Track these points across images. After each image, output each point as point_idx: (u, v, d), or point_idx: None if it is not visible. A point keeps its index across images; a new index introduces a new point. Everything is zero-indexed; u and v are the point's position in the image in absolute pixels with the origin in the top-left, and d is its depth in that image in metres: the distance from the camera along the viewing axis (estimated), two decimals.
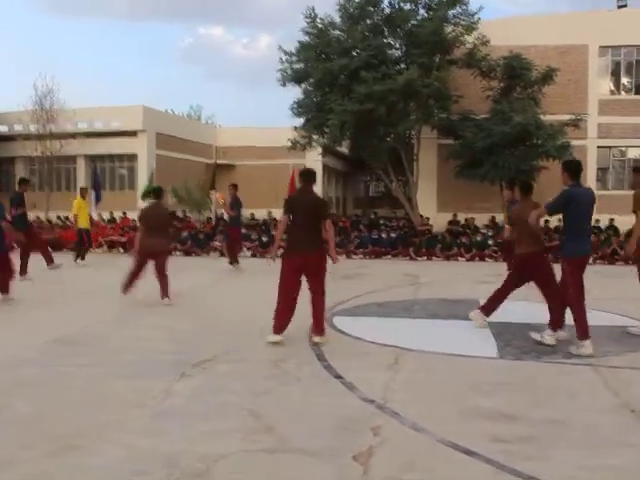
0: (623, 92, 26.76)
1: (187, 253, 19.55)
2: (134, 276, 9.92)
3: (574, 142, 22.22)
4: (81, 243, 16.50)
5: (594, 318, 7.15)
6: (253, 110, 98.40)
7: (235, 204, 15.32)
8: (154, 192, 10.64)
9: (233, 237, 15.78)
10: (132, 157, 32.90)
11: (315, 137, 24.18)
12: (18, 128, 32.25)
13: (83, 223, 16.32)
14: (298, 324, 7.94)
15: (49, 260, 13.94)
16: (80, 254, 16.44)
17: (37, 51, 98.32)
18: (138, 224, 11.04)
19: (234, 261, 14.99)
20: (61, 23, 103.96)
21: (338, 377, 5.63)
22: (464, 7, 22.80)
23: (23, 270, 12.38)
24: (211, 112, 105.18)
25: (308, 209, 6.92)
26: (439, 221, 22.95)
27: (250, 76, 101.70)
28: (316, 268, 6.97)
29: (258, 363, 6.14)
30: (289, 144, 24.27)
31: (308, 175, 7.16)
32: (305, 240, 6.85)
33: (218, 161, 33.92)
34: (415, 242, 18.62)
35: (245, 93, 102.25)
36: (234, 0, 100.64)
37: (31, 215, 23.02)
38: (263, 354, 6.50)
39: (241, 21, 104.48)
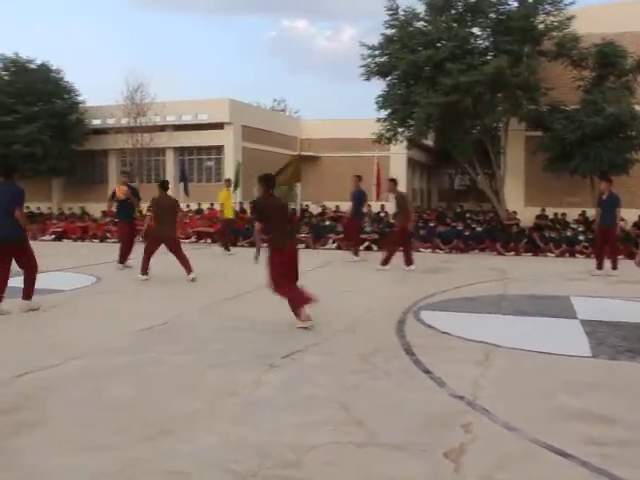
0: None
1: None
2: (148, 259, 11.60)
3: None
4: (228, 233, 17.03)
5: None
6: (337, 102, 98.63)
7: (358, 195, 15.44)
8: (160, 184, 12.08)
9: (352, 229, 15.98)
10: (219, 149, 33.51)
11: (400, 130, 23.97)
12: (110, 122, 33.31)
13: (229, 213, 16.88)
14: (385, 319, 7.96)
15: (123, 258, 13.40)
16: (226, 244, 17.09)
17: (129, 46, 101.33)
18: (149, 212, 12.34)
19: (354, 253, 15.31)
20: (151, 17, 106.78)
21: (427, 372, 5.60)
22: None
23: (123, 259, 13.04)
24: (295, 104, 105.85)
25: (278, 211, 7.77)
26: (527, 215, 22.41)
27: (333, 68, 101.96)
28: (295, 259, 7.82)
29: (346, 356, 6.15)
30: (373, 137, 24.16)
31: (267, 180, 7.86)
32: (283, 236, 7.68)
33: (302, 153, 34.13)
34: (502, 236, 18.26)
35: (329, 85, 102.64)
36: None
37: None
38: (351, 347, 6.51)
39: (325, 13, 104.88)
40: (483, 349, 6.45)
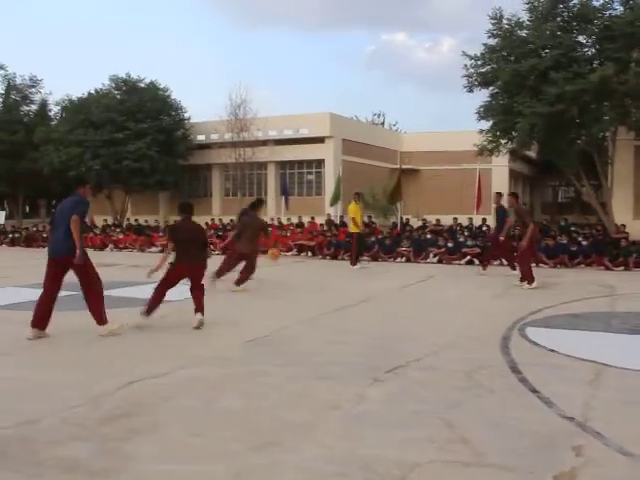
0: None
1: (374, 258, 19.77)
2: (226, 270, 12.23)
3: None
4: (358, 247, 17.34)
5: None
6: (436, 114, 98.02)
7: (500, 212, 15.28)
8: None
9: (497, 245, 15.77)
10: (319, 163, 33.89)
11: (503, 141, 23.57)
12: (214, 137, 34.27)
13: (359, 227, 17.14)
14: (489, 335, 7.82)
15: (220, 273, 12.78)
16: (356, 258, 17.30)
17: (231, 63, 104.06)
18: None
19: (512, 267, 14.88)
20: (252, 35, 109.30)
21: (534, 391, 5.45)
22: None
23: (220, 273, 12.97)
24: (394, 118, 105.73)
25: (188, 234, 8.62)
26: (636, 228, 21.54)
27: (433, 80, 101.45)
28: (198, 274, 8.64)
29: (449, 372, 6.08)
30: (475, 149, 23.84)
31: (186, 207, 8.88)
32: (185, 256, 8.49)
33: (403, 166, 34.06)
34: (610, 251, 17.59)
35: (428, 97, 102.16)
36: (415, 5, 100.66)
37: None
38: (454, 363, 6.43)
39: (423, 25, 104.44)
40: (593, 368, 6.23)
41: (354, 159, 33.87)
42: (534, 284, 12.54)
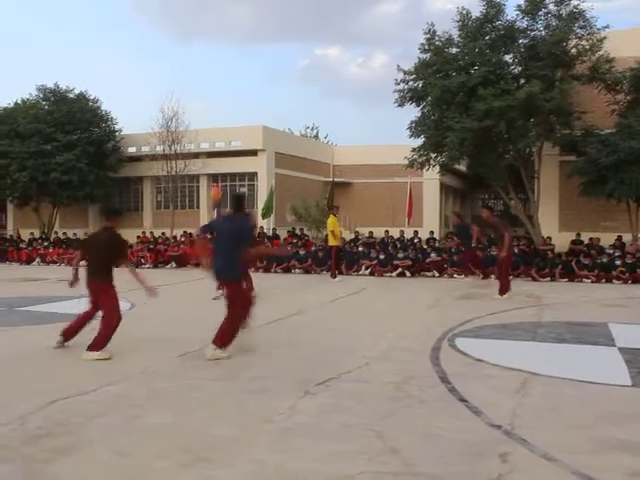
0: None
1: (307, 271, 19.80)
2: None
3: None
4: (336, 260, 17.44)
5: None
6: (369, 128, 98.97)
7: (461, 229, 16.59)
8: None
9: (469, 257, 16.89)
10: (252, 176, 33.78)
11: (433, 155, 23.99)
12: (146, 149, 33.83)
13: (337, 240, 17.11)
14: (419, 346, 7.91)
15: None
16: (334, 271, 17.35)
17: (164, 75, 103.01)
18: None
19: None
20: (186, 48, 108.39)
21: (462, 400, 5.54)
22: (586, 22, 22.06)
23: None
24: (327, 131, 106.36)
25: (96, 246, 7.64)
26: (561, 241, 22.17)
27: (365, 95, 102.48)
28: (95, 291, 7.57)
29: (381, 384, 6.12)
30: (406, 162, 24.18)
31: (109, 214, 8.06)
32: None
33: (335, 179, 34.28)
34: (537, 262, 18.06)
35: (361, 112, 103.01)
36: (348, 20, 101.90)
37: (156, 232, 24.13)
38: (384, 375, 6.47)
39: (356, 41, 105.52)
40: (520, 377, 6.37)
41: (287, 172, 33.92)
42: (505, 295, 12.91)
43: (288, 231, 25.71)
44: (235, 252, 7.22)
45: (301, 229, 26.03)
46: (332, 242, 17.37)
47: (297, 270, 19.83)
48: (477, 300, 12.98)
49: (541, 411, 5.34)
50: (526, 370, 6.61)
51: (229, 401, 5.56)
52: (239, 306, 7.30)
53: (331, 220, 17.48)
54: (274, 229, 26.20)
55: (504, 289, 13.02)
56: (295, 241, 22.39)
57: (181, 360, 7.20)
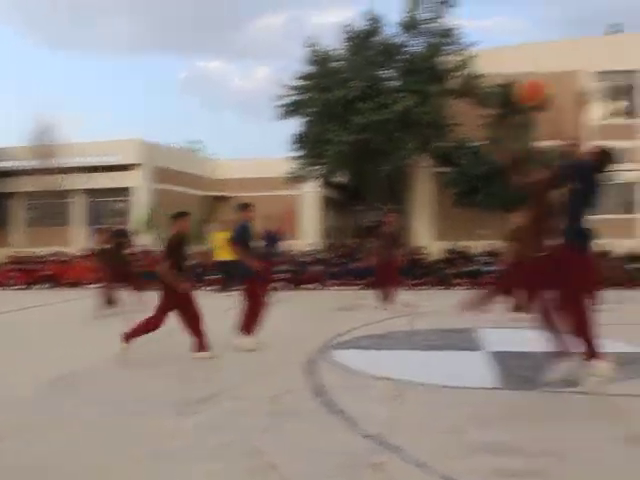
0: (617, 117, 26.91)
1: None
2: None
3: None
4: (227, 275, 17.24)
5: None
6: (251, 142, 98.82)
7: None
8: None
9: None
10: (129, 191, 32.95)
11: (313, 168, 24.25)
12: (17, 163, 32.36)
13: (225, 255, 16.55)
14: (296, 359, 7.92)
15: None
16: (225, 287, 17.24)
17: (37, 89, 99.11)
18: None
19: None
20: (60, 58, 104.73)
21: (338, 412, 5.58)
22: (456, 40, 23.08)
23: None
24: (208, 144, 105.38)
25: None
26: (437, 250, 22.91)
27: (248, 108, 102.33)
28: None
29: (258, 399, 6.08)
30: (287, 176, 24.33)
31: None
32: None
33: (216, 193, 34.01)
34: (412, 271, 18.56)
35: (243, 125, 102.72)
36: (229, 33, 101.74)
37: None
38: (262, 390, 6.44)
39: (238, 53, 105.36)
40: (395, 386, 6.49)
41: (166, 186, 33.28)
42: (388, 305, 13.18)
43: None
44: None
45: None
46: (224, 256, 17.07)
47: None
48: (355, 311, 13.17)
49: (415, 419, 5.47)
50: (401, 379, 6.75)
51: (99, 427, 5.36)
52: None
53: (220, 234, 17.27)
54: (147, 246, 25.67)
55: (389, 298, 13.25)
56: None
57: (48, 386, 6.88)
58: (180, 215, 8.57)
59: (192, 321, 8.16)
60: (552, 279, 6.14)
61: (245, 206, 9.51)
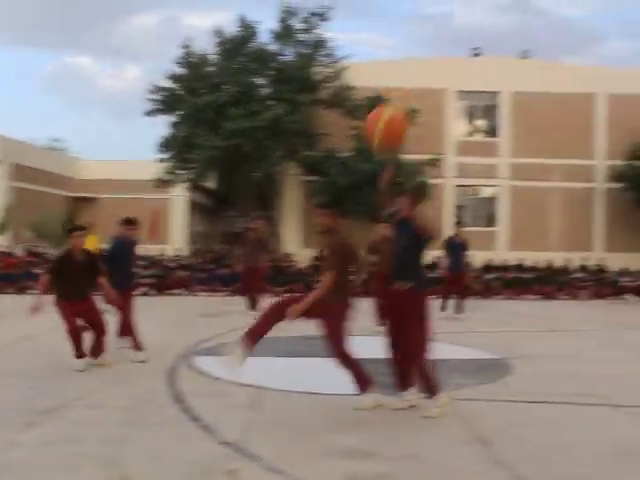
0: (477, 134, 28.31)
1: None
2: None
3: (433, 181, 23.26)
4: None
5: (447, 351, 7.42)
6: (120, 143, 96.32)
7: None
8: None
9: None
10: None
11: (181, 172, 23.97)
12: None
13: None
14: (156, 366, 7.79)
15: None
16: None
17: None
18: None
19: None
20: None
21: (195, 420, 5.53)
22: (328, 52, 23.57)
23: None
24: (74, 144, 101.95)
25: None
26: (305, 257, 23.20)
27: (118, 108, 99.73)
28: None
29: (114, 408, 5.93)
30: (154, 178, 23.90)
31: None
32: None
33: (80, 194, 32.88)
34: (280, 278, 18.72)
35: (112, 125, 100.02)
36: (100, 30, 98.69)
37: None
38: (119, 398, 6.28)
39: (108, 52, 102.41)
40: (254, 393, 6.53)
41: (27, 185, 31.80)
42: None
43: (26, 249, 24.13)
44: None
45: (36, 246, 24.54)
46: None
47: (35, 291, 18.58)
48: (221, 317, 13.11)
49: (272, 425, 5.51)
50: (260, 386, 6.79)
51: None
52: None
53: (91, 239, 16.59)
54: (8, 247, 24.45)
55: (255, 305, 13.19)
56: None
57: None
58: (74, 230, 7.99)
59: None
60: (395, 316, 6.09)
61: (128, 221, 8.83)
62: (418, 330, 5.83)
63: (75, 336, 7.50)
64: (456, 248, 13.64)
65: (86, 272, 7.67)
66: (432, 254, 16.27)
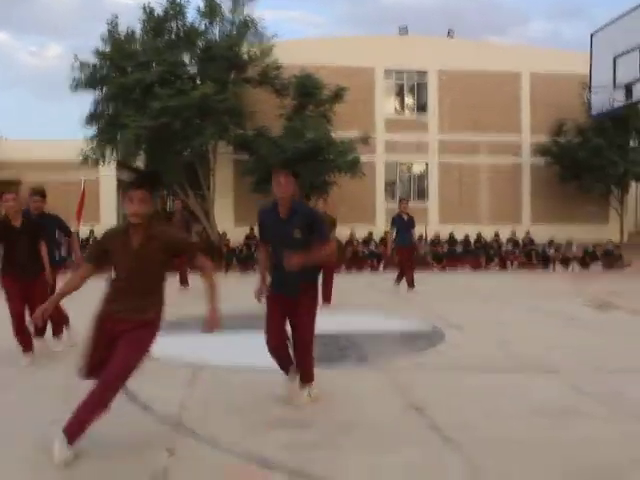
0: (406, 112, 28.64)
1: None
2: None
3: (363, 158, 23.48)
4: None
5: (382, 323, 7.55)
6: (44, 122, 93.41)
7: None
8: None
9: None
10: None
11: (108, 151, 23.53)
12: None
13: None
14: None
15: None
16: None
17: None
18: None
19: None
20: None
21: (132, 399, 5.50)
22: (256, 30, 23.43)
23: None
24: None
25: None
26: (237, 235, 23.11)
27: (39, 86, 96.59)
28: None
29: (44, 389, 5.87)
30: (80, 158, 23.38)
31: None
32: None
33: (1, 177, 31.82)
34: (214, 256, 18.62)
35: (33, 104, 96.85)
36: (22, 6, 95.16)
37: None
38: (49, 380, 6.22)
39: (29, 28, 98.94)
40: (190, 370, 6.53)
41: None
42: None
43: None
44: None
45: None
46: None
47: None
48: None
49: (208, 401, 5.54)
50: (197, 363, 6.80)
51: None
52: None
53: None
54: None
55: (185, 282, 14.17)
56: None
57: None
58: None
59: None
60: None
61: (32, 192, 8.17)
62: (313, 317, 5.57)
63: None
64: (403, 225, 13.88)
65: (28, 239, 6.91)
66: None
